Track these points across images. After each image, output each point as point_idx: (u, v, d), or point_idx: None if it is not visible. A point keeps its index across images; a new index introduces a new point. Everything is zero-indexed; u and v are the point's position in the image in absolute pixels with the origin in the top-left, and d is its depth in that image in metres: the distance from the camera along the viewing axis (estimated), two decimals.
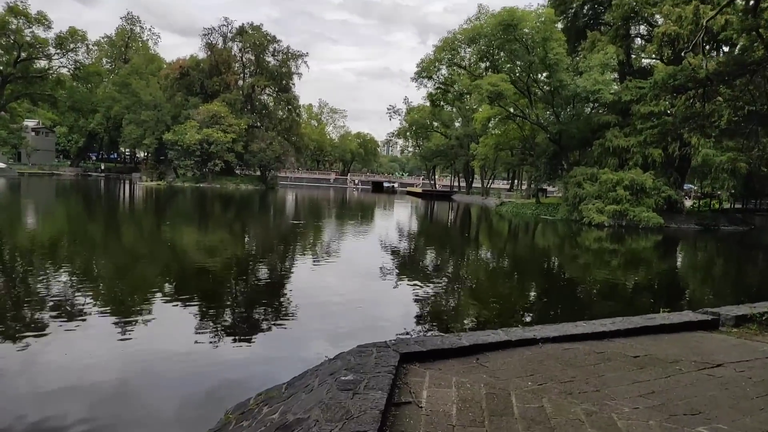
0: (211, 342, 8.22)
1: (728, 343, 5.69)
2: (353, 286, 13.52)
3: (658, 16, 39.24)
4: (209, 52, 72.45)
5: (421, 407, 3.67)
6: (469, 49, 47.95)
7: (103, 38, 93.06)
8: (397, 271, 16.28)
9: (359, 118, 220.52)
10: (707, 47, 27.28)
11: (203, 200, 45.75)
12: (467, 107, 69.04)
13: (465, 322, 10.69)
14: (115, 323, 8.93)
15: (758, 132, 19.16)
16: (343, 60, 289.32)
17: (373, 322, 10.06)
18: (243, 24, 73.54)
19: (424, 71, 50.67)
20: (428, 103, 61.73)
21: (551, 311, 12.15)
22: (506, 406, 3.71)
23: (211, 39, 72.85)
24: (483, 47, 45.02)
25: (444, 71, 51.89)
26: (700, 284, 17.98)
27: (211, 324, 9.24)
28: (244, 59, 75.47)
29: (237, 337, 8.56)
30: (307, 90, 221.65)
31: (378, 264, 16.78)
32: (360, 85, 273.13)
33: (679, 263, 24.44)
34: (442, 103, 59.43)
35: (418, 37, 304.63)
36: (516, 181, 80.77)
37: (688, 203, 47.95)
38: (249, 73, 75.81)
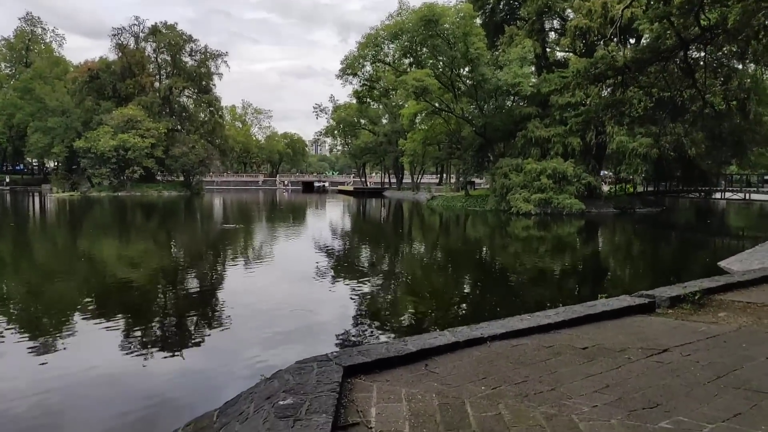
0: (135, 363, 7.54)
1: (668, 325, 5.74)
2: (289, 290, 12.98)
3: (569, 11, 40.93)
4: (120, 54, 68.48)
5: (371, 428, 3.32)
6: (392, 45, 48.01)
7: (0, 41, 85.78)
8: (332, 272, 15.88)
9: (285, 118, 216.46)
10: (615, 39, 28.68)
11: (122, 210, 43.19)
12: (393, 104, 69.26)
13: (405, 318, 10.48)
14: (29, 346, 8.09)
15: (667, 119, 20.33)
16: (265, 60, 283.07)
17: (312, 327, 9.62)
18: (156, 23, 70.19)
19: (349, 68, 50.20)
20: (354, 101, 61.34)
21: (490, 301, 12.15)
22: (462, 418, 3.44)
23: (122, 39, 69.01)
24: (406, 43, 45.24)
25: (368, 68, 51.62)
26: (627, 264, 18.79)
27: (137, 342, 8.51)
28: (159, 60, 72.09)
29: (165, 356, 7.90)
30: (229, 91, 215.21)
31: (313, 266, 16.27)
32: (284, 85, 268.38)
33: (604, 245, 25.53)
34: (368, 100, 59.16)
35: (338, 35, 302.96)
36: (445, 175, 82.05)
37: (605, 188, 50.49)
38: (165, 74, 72.46)
